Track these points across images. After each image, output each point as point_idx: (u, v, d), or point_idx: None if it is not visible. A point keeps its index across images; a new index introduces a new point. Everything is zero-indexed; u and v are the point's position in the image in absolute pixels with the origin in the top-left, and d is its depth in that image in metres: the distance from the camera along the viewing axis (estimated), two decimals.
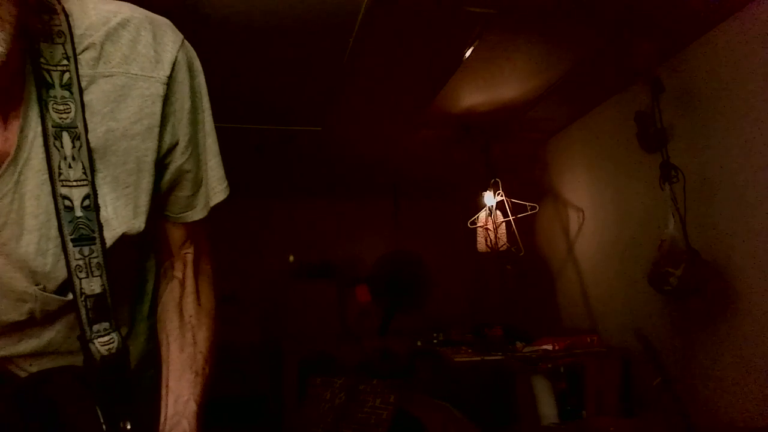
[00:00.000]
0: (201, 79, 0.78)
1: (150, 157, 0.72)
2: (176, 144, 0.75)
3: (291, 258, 4.74)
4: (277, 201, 4.72)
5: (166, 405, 0.78)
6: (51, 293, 0.70)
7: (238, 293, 3.99)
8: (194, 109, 0.76)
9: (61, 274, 0.68)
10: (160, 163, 0.75)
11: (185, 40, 0.75)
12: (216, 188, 0.82)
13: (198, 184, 0.81)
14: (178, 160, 0.76)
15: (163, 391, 0.79)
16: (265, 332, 4.39)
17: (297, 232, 4.73)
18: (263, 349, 4.26)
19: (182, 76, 0.73)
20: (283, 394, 3.90)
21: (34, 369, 0.77)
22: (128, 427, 0.70)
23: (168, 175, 0.77)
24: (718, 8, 2.16)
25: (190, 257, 0.86)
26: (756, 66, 2.09)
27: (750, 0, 2.09)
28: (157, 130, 0.71)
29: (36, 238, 0.67)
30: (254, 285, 4.36)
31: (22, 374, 0.77)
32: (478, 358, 3.22)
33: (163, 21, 0.73)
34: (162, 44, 0.71)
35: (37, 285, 0.69)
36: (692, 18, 2.22)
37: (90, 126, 0.67)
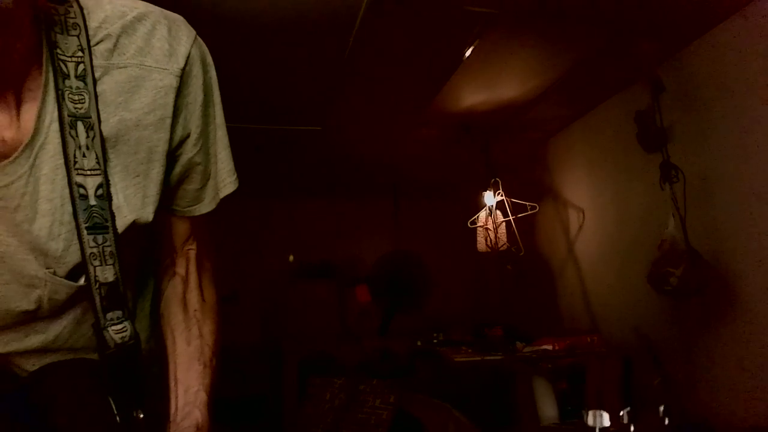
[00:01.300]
0: (213, 73, 0.79)
1: (161, 148, 0.73)
2: (188, 136, 0.76)
3: (291, 258, 4.74)
4: (277, 201, 4.72)
5: (176, 396, 0.78)
6: (61, 278, 0.70)
7: (238, 293, 3.99)
8: (206, 103, 0.78)
9: (72, 259, 0.69)
10: (171, 155, 0.76)
11: (198, 36, 0.77)
12: (226, 180, 0.83)
13: (207, 176, 0.82)
14: (189, 152, 0.77)
15: (172, 384, 0.79)
16: (265, 332, 4.39)
17: (297, 232, 4.73)
18: (263, 349, 4.26)
19: (196, 69, 0.75)
20: (283, 394, 3.90)
21: (36, 369, 0.77)
22: (141, 416, 0.70)
23: (178, 167, 0.78)
24: (718, 7, 2.16)
25: (192, 253, 0.87)
26: (757, 65, 2.09)
27: (750, 0, 2.09)
28: (169, 121, 0.72)
29: (49, 222, 0.68)
30: (254, 285, 4.36)
31: (23, 375, 0.77)
32: (478, 358, 3.22)
33: (177, 17, 0.75)
34: (177, 38, 0.73)
35: (48, 269, 0.69)
36: (693, 17, 2.22)
37: (103, 116, 0.68)
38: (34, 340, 0.76)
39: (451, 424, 2.57)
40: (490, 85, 2.83)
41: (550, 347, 2.87)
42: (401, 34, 2.27)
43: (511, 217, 3.32)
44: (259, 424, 3.93)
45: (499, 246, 3.35)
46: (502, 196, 3.32)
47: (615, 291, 3.06)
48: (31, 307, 0.72)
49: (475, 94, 2.93)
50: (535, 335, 3.24)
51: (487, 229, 3.40)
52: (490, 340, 3.52)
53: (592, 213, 3.31)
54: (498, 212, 3.38)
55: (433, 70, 2.62)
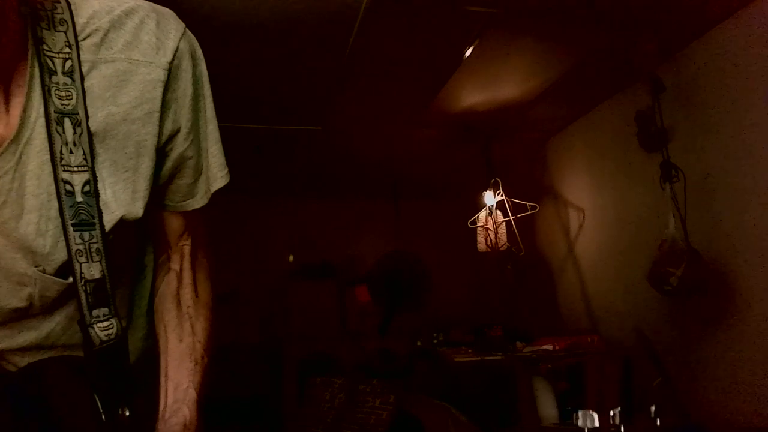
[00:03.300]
0: (203, 66, 0.78)
1: (150, 142, 0.72)
2: (178, 131, 0.76)
3: (291, 258, 4.74)
4: (277, 201, 4.72)
5: (166, 393, 0.78)
6: (50, 276, 0.70)
7: (238, 293, 3.99)
8: (196, 96, 0.77)
9: (60, 256, 0.69)
10: (162, 151, 0.75)
11: (187, 29, 0.76)
12: (217, 174, 0.83)
13: (199, 171, 0.81)
14: (180, 146, 0.77)
15: (162, 380, 0.79)
16: (265, 332, 4.38)
17: (297, 232, 4.73)
18: (263, 349, 4.26)
19: (185, 63, 0.74)
20: (283, 394, 3.90)
21: (24, 365, 0.77)
22: (127, 413, 0.70)
23: (170, 163, 0.77)
24: (718, 7, 2.16)
25: (187, 249, 0.86)
26: (756, 65, 2.09)
27: (750, 0, 2.09)
28: (157, 115, 0.72)
29: (36, 218, 0.67)
30: (254, 285, 4.36)
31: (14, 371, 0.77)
32: (478, 358, 3.22)
33: (167, 11, 0.75)
34: (165, 32, 0.72)
35: (36, 267, 0.69)
36: (693, 17, 2.22)
37: (90, 111, 0.68)
38: (27, 337, 0.76)
39: (451, 424, 2.57)
40: (490, 85, 2.83)
41: (550, 347, 2.87)
42: (401, 34, 2.27)
43: (511, 217, 3.32)
44: (259, 424, 3.93)
45: (499, 246, 3.35)
46: (502, 196, 3.32)
47: (615, 291, 3.06)
48: (22, 304, 0.71)
49: (475, 94, 2.93)
50: (535, 335, 3.24)
51: (487, 229, 3.40)
52: (490, 340, 3.52)
53: (592, 213, 3.31)
54: (498, 212, 3.38)
55: (433, 70, 2.62)
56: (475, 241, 3.55)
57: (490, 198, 3.39)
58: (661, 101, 2.37)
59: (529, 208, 3.27)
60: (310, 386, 3.05)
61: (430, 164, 4.11)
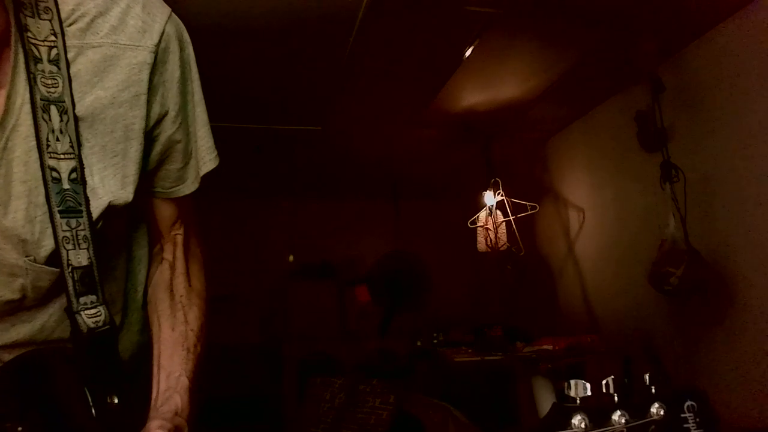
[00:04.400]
0: (190, 50, 0.78)
1: (138, 125, 0.72)
2: (166, 114, 0.76)
3: (291, 258, 4.74)
4: (277, 201, 4.72)
5: (158, 381, 0.78)
6: (41, 265, 0.70)
7: (237, 293, 3.99)
8: (184, 80, 0.77)
9: (49, 243, 0.69)
10: (150, 134, 0.75)
11: (173, 13, 0.76)
12: (206, 158, 0.83)
13: (188, 155, 0.81)
14: (168, 130, 0.77)
15: (155, 369, 0.79)
16: (265, 332, 4.38)
17: (297, 232, 4.73)
18: (263, 349, 4.26)
19: (172, 46, 0.74)
20: (283, 394, 3.90)
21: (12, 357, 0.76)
22: (115, 401, 0.70)
23: (158, 147, 0.77)
24: (718, 7, 2.16)
25: (180, 239, 0.86)
26: (757, 65, 2.09)
27: (750, 0, 2.09)
28: (144, 97, 0.72)
29: (24, 205, 0.67)
30: (254, 285, 4.36)
31: None
32: (478, 358, 3.22)
33: None
34: (151, 15, 0.72)
35: (27, 257, 0.69)
36: (692, 17, 2.22)
37: (78, 96, 0.68)
38: (21, 330, 0.75)
39: (451, 424, 2.57)
40: (490, 85, 2.83)
41: (550, 347, 2.87)
42: (401, 34, 2.27)
43: (511, 217, 3.32)
44: (259, 424, 3.93)
45: (499, 246, 3.35)
46: (502, 196, 3.32)
47: (615, 291, 3.06)
48: (16, 296, 0.71)
49: (475, 94, 2.93)
50: (535, 335, 3.24)
51: (487, 229, 3.40)
52: (490, 340, 3.52)
53: (592, 213, 3.31)
54: (498, 212, 3.37)
55: (433, 70, 2.62)
56: (475, 241, 3.55)
57: (490, 198, 3.38)
58: (661, 101, 2.37)
59: (529, 208, 3.27)
60: (310, 386, 3.05)
61: (430, 164, 4.11)
